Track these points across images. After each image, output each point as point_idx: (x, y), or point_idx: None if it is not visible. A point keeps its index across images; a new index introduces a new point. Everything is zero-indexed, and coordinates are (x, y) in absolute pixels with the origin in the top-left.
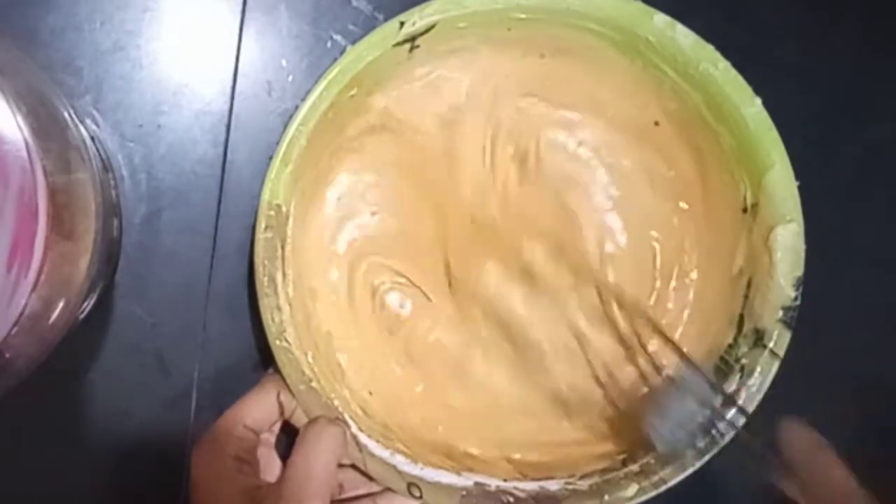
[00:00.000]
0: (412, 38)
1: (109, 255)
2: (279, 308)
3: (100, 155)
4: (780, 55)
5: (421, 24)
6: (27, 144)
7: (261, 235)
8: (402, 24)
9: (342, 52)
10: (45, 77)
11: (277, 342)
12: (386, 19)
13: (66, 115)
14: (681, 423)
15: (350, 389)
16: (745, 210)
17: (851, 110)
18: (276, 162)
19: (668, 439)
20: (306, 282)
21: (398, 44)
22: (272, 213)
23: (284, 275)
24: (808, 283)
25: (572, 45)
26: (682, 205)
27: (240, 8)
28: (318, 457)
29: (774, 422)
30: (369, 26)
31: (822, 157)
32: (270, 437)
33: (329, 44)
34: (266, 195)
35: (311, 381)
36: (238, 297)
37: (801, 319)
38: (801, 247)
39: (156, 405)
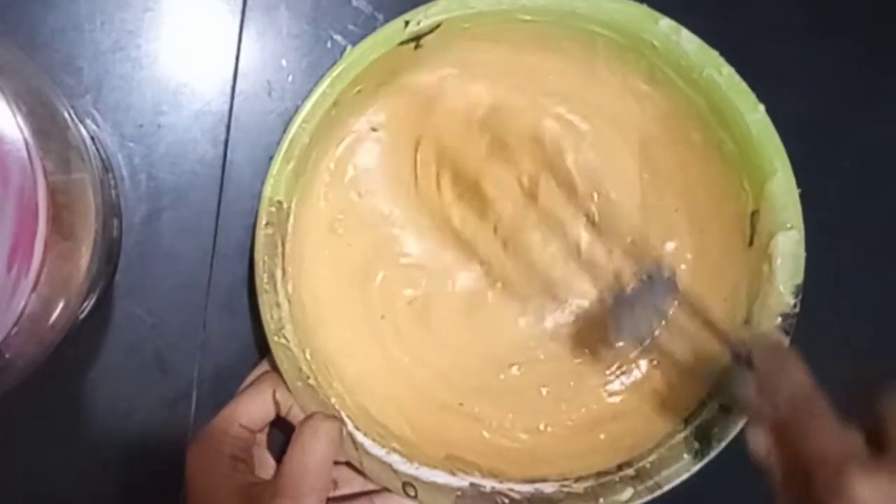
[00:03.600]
0: (417, 38)
1: (109, 255)
2: (278, 305)
3: (100, 155)
4: (779, 56)
5: (426, 24)
6: (27, 144)
7: (261, 232)
8: (406, 23)
9: (342, 52)
10: (45, 77)
11: (276, 338)
12: (386, 19)
13: (66, 115)
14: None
15: (345, 386)
16: (742, 218)
17: (851, 111)
18: (279, 158)
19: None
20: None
21: (403, 43)
22: (273, 209)
23: (284, 271)
24: (808, 290)
25: (574, 45)
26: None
27: (240, 8)
28: (315, 452)
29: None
30: (369, 26)
31: (822, 162)
32: (262, 436)
33: (329, 44)
34: (267, 191)
35: (308, 378)
36: (238, 296)
37: (799, 326)
38: (802, 254)
39: (156, 405)
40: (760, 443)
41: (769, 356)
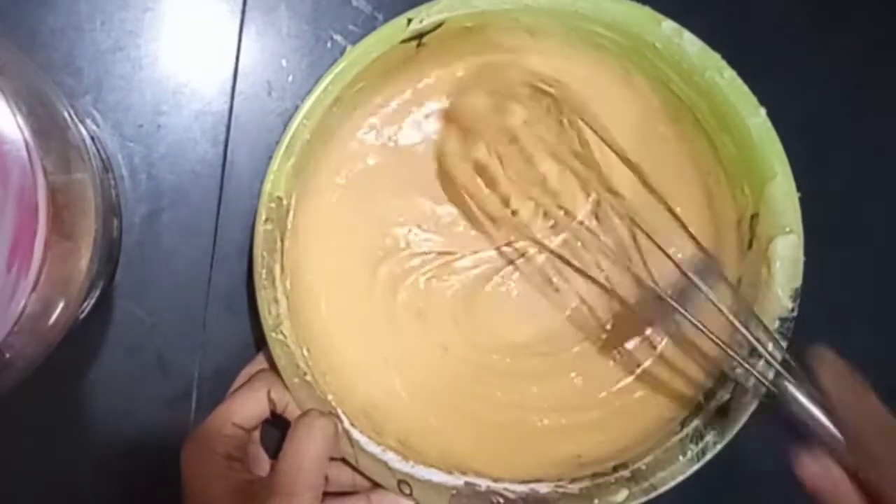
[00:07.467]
0: (419, 36)
1: (109, 255)
2: (276, 301)
3: (100, 155)
4: (782, 60)
5: (428, 22)
6: (27, 144)
7: (261, 227)
8: (409, 20)
9: (342, 52)
10: (45, 77)
11: (273, 335)
12: (385, 19)
13: (66, 115)
14: None
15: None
16: (741, 221)
17: (852, 115)
18: (279, 154)
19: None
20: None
21: (405, 41)
22: (273, 205)
23: (283, 268)
24: (806, 294)
25: (576, 46)
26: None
27: (240, 8)
28: (310, 449)
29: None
30: (369, 26)
31: (822, 166)
32: (255, 432)
33: (329, 44)
34: (268, 187)
35: (305, 374)
36: (238, 296)
37: (797, 330)
38: (800, 258)
39: (156, 405)
40: (814, 468)
41: (837, 377)
